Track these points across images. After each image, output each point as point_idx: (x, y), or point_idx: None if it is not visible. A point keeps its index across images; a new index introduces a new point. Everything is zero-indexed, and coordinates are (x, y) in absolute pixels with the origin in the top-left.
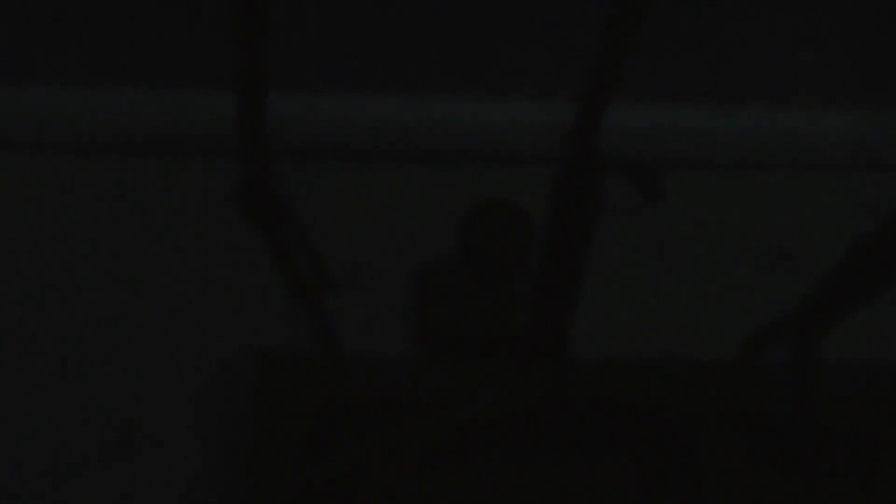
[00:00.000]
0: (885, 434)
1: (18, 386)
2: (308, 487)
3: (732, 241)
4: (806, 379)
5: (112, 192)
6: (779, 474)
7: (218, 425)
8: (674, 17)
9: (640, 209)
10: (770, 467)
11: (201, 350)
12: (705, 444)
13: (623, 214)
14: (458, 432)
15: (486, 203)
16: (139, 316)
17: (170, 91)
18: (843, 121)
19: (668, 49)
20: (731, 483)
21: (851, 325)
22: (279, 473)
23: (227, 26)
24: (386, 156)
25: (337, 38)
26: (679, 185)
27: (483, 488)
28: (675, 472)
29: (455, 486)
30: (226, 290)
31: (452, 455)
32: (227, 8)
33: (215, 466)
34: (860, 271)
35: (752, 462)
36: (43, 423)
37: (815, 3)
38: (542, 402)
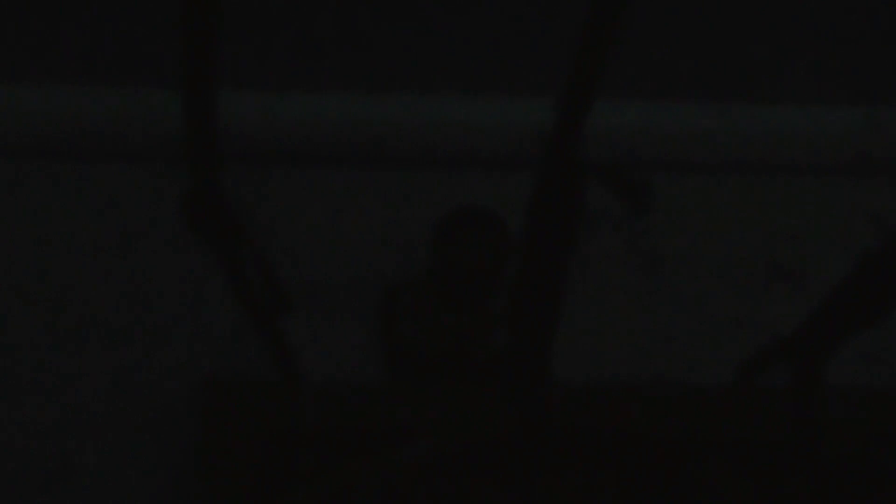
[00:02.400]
0: (887, 460)
1: None
2: None
3: (726, 253)
4: (808, 404)
5: (45, 201)
6: (774, 498)
7: (165, 459)
8: (660, 10)
9: (625, 220)
10: (767, 497)
11: (145, 377)
12: (698, 473)
13: (607, 226)
14: (427, 464)
15: (459, 211)
16: (75, 339)
17: (112, 89)
18: (845, 120)
19: (654, 43)
20: None
21: (852, 348)
22: None
23: (175, 17)
24: (349, 160)
25: (296, 33)
26: (667, 190)
27: None
28: (665, 503)
29: None
30: (174, 310)
31: (425, 488)
32: None
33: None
34: (868, 289)
35: (748, 491)
36: None
37: None
38: (521, 429)
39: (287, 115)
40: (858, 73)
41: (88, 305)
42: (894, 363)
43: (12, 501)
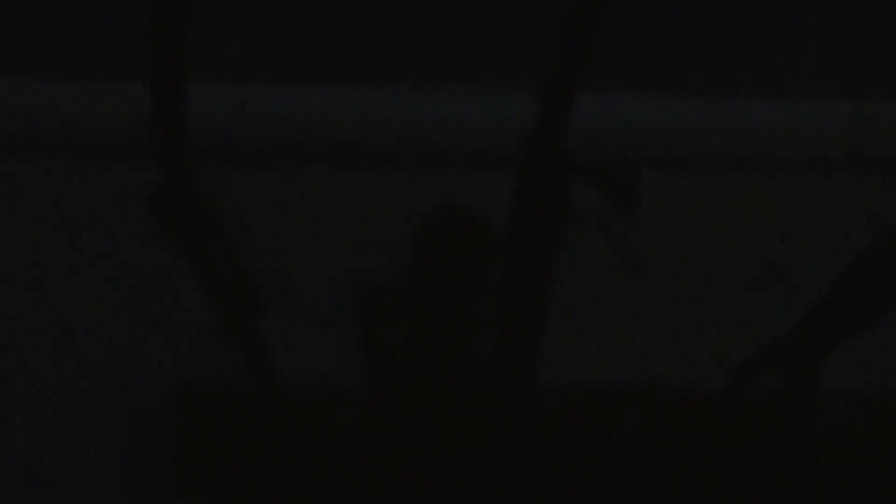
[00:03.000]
0: (884, 465)
1: None
2: None
3: (717, 254)
4: (802, 409)
5: (10, 197)
6: None
7: (139, 467)
8: (647, 1)
9: (614, 218)
10: (760, 503)
11: (115, 384)
12: (689, 480)
13: (594, 225)
14: (411, 472)
15: (444, 210)
16: (41, 343)
17: (77, 82)
18: (838, 116)
19: (641, 36)
20: None
21: (849, 351)
22: None
23: (144, 7)
24: (328, 157)
25: (272, 21)
26: (656, 189)
27: None
28: None
29: None
30: (143, 313)
31: (407, 498)
32: None
33: None
34: (864, 288)
35: (741, 497)
36: None
37: None
38: (508, 436)
39: (262, 109)
40: (852, 69)
41: (57, 305)
42: (891, 366)
43: None
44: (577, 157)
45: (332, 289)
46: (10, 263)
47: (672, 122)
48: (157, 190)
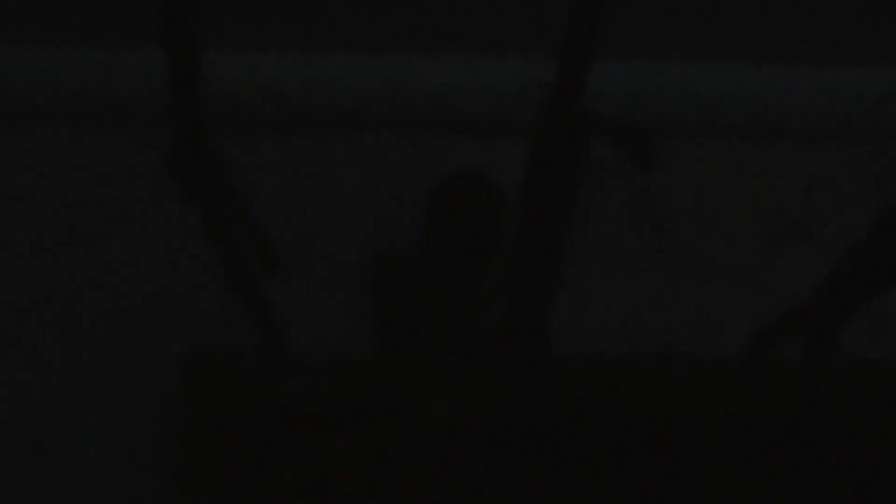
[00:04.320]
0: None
1: None
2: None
3: (737, 215)
4: (821, 376)
5: (21, 166)
6: (786, 481)
7: (148, 437)
8: None
9: (631, 178)
10: (778, 472)
11: (129, 350)
12: (706, 450)
13: (611, 185)
14: (423, 442)
15: (454, 176)
16: (52, 310)
17: (89, 50)
18: (861, 79)
19: None
20: (734, 491)
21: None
22: (211, 493)
23: None
24: (339, 122)
25: None
26: (677, 152)
27: (460, 501)
28: (672, 481)
29: (428, 501)
30: (157, 279)
31: (422, 466)
32: None
33: (146, 484)
34: (885, 249)
35: (758, 466)
36: None
37: None
38: (521, 404)
39: (272, 75)
40: (873, 34)
41: (65, 273)
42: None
43: None
44: (594, 116)
45: (342, 256)
46: (18, 231)
47: (692, 88)
48: (171, 147)
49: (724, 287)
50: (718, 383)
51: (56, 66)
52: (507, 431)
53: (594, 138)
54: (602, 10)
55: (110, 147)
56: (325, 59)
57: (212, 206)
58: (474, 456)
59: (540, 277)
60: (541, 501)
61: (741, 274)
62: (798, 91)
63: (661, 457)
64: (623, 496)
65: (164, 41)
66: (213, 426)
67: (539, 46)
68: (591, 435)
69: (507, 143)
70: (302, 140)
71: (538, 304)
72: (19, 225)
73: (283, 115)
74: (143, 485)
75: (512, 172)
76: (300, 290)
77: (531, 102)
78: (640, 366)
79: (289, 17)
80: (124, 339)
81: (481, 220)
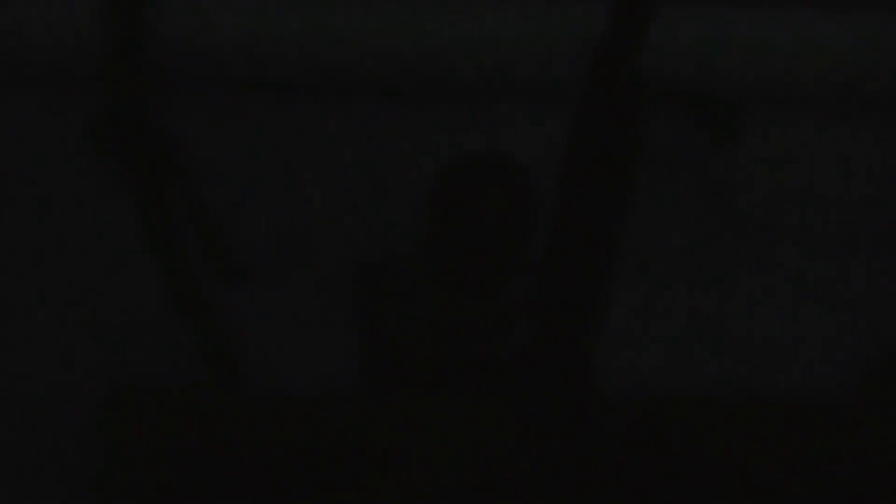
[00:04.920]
0: None
1: None
2: None
3: (839, 209)
4: None
5: None
6: None
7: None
8: None
9: (705, 161)
10: None
11: (46, 388)
12: None
13: (678, 171)
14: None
15: (467, 160)
16: None
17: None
18: None
19: None
20: None
21: None
22: None
23: None
24: (318, 88)
25: None
26: (762, 126)
27: None
28: None
29: None
30: (79, 289)
31: None
32: None
33: None
34: None
35: None
36: None
37: None
38: (553, 458)
39: (237, 24)
40: None
41: None
42: None
43: None
44: (657, 79)
45: (319, 262)
46: None
47: (775, 42)
48: (102, 114)
49: (823, 303)
50: (816, 431)
51: None
52: (532, 488)
53: (656, 110)
54: None
55: (39, 109)
56: (297, 7)
57: (152, 194)
58: None
59: (580, 291)
60: None
61: (846, 286)
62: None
63: None
64: None
65: None
66: (135, 479)
67: None
68: (647, 492)
69: (537, 115)
70: (271, 111)
71: (577, 326)
72: None
73: (247, 78)
74: None
75: (543, 154)
76: (266, 308)
77: (570, 61)
78: (712, 407)
79: None
80: (44, 374)
81: (501, 217)
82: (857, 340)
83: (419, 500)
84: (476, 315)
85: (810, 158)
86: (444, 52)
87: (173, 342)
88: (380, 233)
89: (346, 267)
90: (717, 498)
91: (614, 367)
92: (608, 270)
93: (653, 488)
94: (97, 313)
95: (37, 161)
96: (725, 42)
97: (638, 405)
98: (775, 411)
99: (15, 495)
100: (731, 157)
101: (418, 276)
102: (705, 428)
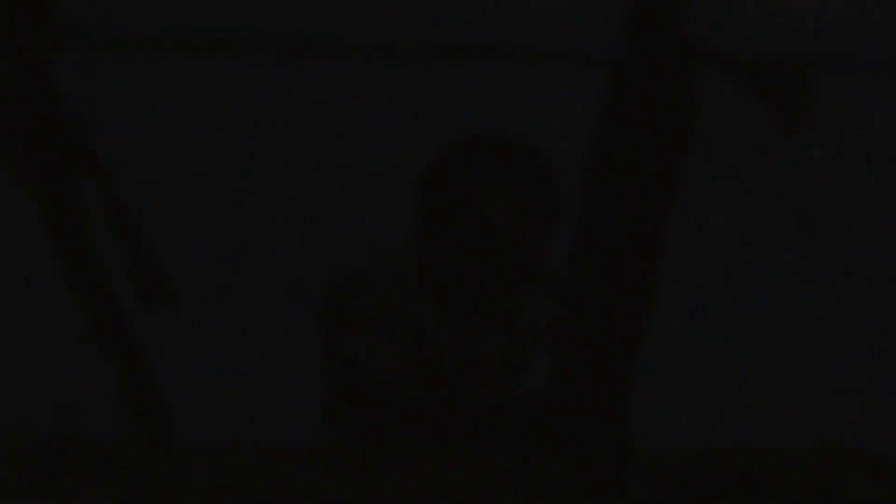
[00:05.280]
0: None
1: None
2: None
3: None
4: None
5: None
6: None
7: None
8: None
9: (772, 149)
10: None
11: None
12: None
13: (736, 159)
14: None
15: (467, 142)
16: None
17: None
18: None
19: None
20: None
21: None
22: None
23: None
24: (280, 46)
25: None
26: (837, 101)
27: None
28: None
29: None
30: None
31: None
32: None
33: None
34: None
35: None
36: None
37: None
38: None
39: None
40: None
41: None
42: None
43: None
44: (707, 45)
45: (272, 276)
46: None
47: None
48: None
49: None
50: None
51: None
52: None
53: (708, 80)
54: None
55: None
56: None
57: (59, 188)
58: None
59: (615, 314)
60: None
61: None
62: None
63: None
64: None
65: None
66: None
67: None
68: None
69: (556, 84)
70: (218, 78)
71: (612, 358)
72: None
73: (190, 37)
74: None
75: (565, 133)
76: (203, 336)
77: (600, 24)
78: (777, 463)
79: None
80: None
81: (510, 213)
82: None
83: None
84: (478, 344)
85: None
86: (448, 15)
87: (92, 391)
88: (353, 236)
89: (307, 282)
90: None
91: (652, 410)
92: (650, 288)
93: None
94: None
95: None
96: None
97: (684, 460)
98: (854, 466)
99: None
100: (804, 144)
101: (402, 293)
102: (772, 490)
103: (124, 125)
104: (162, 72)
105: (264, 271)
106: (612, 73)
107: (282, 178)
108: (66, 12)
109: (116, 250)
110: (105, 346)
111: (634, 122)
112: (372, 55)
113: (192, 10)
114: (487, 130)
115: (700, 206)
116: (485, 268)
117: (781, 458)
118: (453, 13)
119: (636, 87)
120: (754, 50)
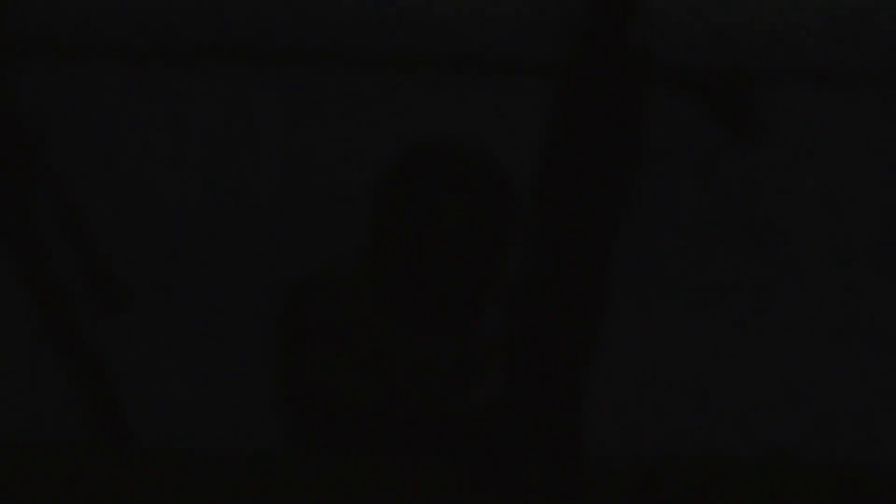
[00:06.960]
0: None
1: None
2: None
3: (874, 212)
4: None
5: None
6: None
7: None
8: None
9: (721, 159)
10: None
11: None
12: None
13: (685, 168)
14: None
15: (422, 150)
16: None
17: None
18: None
19: None
20: None
21: None
22: None
23: None
24: (237, 53)
25: None
26: (780, 110)
27: None
28: None
29: None
30: None
31: None
32: None
33: None
34: None
35: None
36: None
37: None
38: None
39: None
40: None
41: None
42: None
43: None
44: (656, 53)
45: (225, 281)
46: None
47: (795, 15)
48: None
49: (859, 331)
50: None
51: None
52: None
53: (658, 90)
54: None
55: None
56: None
57: (10, 193)
58: None
59: (568, 321)
60: None
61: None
62: None
63: None
64: None
65: None
66: None
67: None
68: None
69: (509, 94)
70: (171, 80)
71: (565, 371)
72: None
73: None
74: None
75: (521, 143)
76: (156, 340)
77: (549, 32)
78: (736, 472)
79: None
80: None
81: (467, 221)
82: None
83: None
84: (433, 354)
85: (847, 151)
86: (414, 24)
87: (50, 395)
88: (308, 241)
89: (261, 288)
90: None
91: (604, 419)
92: (600, 298)
93: None
94: None
95: None
96: (743, 7)
97: (634, 470)
98: (808, 474)
99: None
100: (752, 154)
101: (357, 303)
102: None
103: (86, 131)
104: (129, 78)
105: (221, 276)
106: (561, 83)
107: (236, 185)
108: (32, 19)
109: (70, 255)
110: (60, 351)
111: (583, 133)
112: (329, 65)
113: (162, 18)
114: (442, 139)
115: (649, 217)
116: (439, 278)
117: (735, 466)
118: (407, 24)
119: (584, 97)
120: (702, 61)
